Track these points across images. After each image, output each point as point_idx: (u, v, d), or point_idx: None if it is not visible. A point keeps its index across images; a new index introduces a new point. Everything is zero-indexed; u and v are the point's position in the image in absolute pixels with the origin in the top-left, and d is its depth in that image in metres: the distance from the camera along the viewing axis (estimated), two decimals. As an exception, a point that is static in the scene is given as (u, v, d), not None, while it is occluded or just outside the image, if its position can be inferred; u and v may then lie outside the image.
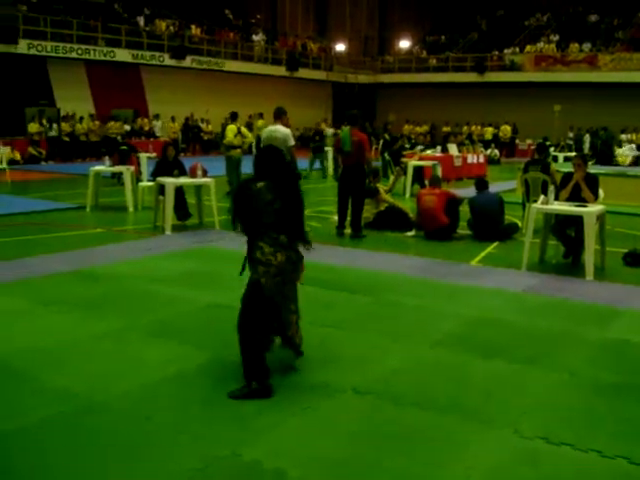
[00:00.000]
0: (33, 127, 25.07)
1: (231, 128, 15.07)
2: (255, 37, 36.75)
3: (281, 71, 35.68)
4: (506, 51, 37.45)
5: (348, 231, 10.54)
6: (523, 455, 3.80)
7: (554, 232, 8.62)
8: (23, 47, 25.20)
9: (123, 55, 28.70)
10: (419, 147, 19.79)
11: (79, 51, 27.08)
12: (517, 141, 33.66)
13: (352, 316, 6.38)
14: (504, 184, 16.95)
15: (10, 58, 25.32)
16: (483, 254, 9.32)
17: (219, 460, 3.70)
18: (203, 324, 6.09)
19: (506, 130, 33.29)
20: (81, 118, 26.73)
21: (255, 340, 4.63)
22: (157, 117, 29.74)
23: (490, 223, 10.24)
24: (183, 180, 11.04)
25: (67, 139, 25.95)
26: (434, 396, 4.54)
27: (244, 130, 15.72)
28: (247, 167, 17.42)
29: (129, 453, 3.79)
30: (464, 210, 10.71)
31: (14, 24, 24.95)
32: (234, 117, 15.64)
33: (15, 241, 9.91)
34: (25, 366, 5.02)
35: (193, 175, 11.07)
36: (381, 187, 11.51)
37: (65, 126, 26.13)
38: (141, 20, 31.31)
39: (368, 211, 11.09)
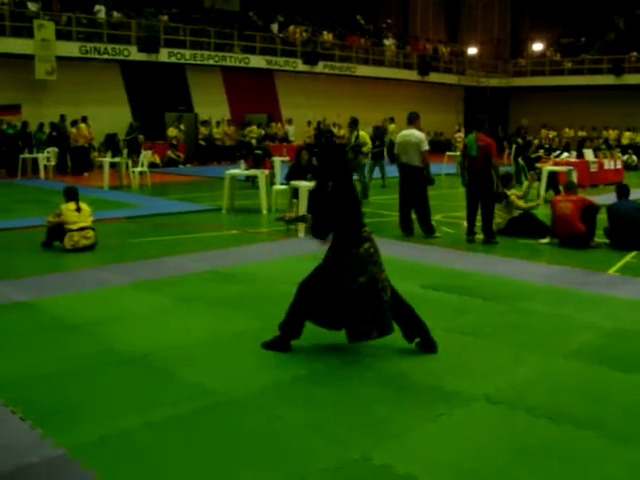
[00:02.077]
0: (172, 131, 26.14)
1: (366, 135, 15.05)
2: (386, 42, 36.79)
3: (412, 75, 35.57)
4: (645, 52, 35.78)
5: (479, 237, 10.39)
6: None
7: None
8: (164, 55, 26.37)
9: (258, 61, 29.46)
10: (557, 152, 19.18)
11: (216, 58, 28.03)
12: (657, 146, 32.11)
13: (486, 323, 6.29)
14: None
15: (152, 66, 26.54)
16: (621, 263, 8.96)
17: (350, 463, 3.72)
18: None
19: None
20: (218, 123, 27.63)
21: (306, 304, 5.28)
22: (290, 122, 30.32)
23: (630, 232, 9.84)
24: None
25: (204, 143, 26.91)
26: (569, 409, 4.41)
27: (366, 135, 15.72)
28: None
29: (260, 451, 3.87)
30: (601, 217, 10.34)
31: (156, 34, 26.14)
32: (356, 123, 15.48)
33: (156, 241, 10.37)
34: (164, 362, 5.24)
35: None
36: (514, 193, 11.28)
37: (203, 130, 27.10)
38: (275, 27, 32.01)
39: (501, 217, 10.89)
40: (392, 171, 16.01)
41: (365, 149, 14.67)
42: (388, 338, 5.82)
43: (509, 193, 11.00)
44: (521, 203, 11.14)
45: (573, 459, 3.79)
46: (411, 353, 5.45)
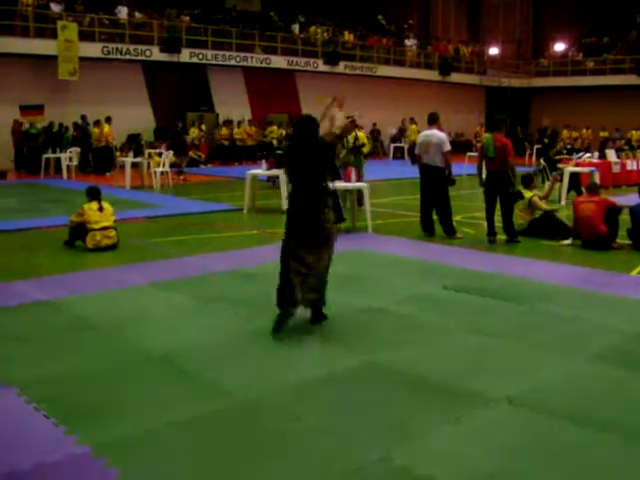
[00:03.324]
0: (194, 132, 26.25)
1: (362, 135, 14.45)
2: (407, 42, 36.73)
3: (434, 76, 35.47)
4: (669, 51, 35.37)
5: (500, 237, 10.36)
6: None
7: None
8: (186, 56, 26.48)
9: (279, 62, 29.51)
10: (586, 155, 18.99)
11: (237, 59, 28.11)
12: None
13: (507, 325, 6.26)
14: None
15: (174, 66, 26.67)
16: (645, 265, 8.90)
17: (370, 464, 3.72)
18: (355, 327, 6.17)
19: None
20: (239, 122, 27.71)
21: (287, 275, 5.86)
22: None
23: (653, 233, 9.76)
24: (337, 184, 11.21)
25: (226, 143, 27.01)
26: (592, 413, 4.38)
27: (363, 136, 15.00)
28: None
29: (280, 452, 3.88)
30: (623, 218, 10.27)
31: (178, 35, 26.26)
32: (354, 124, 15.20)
33: (177, 241, 10.42)
34: (186, 362, 5.26)
35: (347, 180, 11.22)
36: (536, 194, 11.21)
37: (224, 130, 27.20)
38: (296, 27, 32.04)
39: (522, 218, 10.85)
40: (406, 172, 16.25)
41: (365, 150, 14.31)
42: (410, 339, 5.83)
43: (531, 194, 10.95)
44: (542, 204, 11.07)
45: (595, 463, 3.77)
46: (430, 354, 5.44)
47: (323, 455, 3.84)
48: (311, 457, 3.83)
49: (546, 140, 20.30)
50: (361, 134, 14.87)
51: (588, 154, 19.29)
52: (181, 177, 20.50)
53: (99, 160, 22.53)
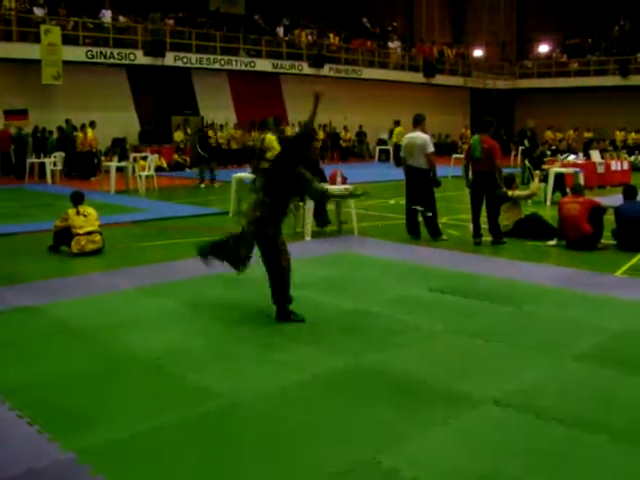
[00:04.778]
0: (179, 135, 26.18)
1: (274, 139, 13.45)
2: (392, 44, 36.81)
3: (418, 78, 35.57)
4: (651, 52, 35.61)
5: (486, 239, 10.38)
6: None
7: None
8: (170, 59, 26.42)
9: (263, 65, 29.48)
10: (571, 156, 19.06)
11: (222, 62, 28.07)
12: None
13: (493, 326, 6.27)
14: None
15: (158, 70, 26.60)
16: (629, 265, 8.92)
17: (358, 466, 3.71)
18: (341, 329, 6.16)
19: (653, 136, 31.75)
20: (221, 126, 27.66)
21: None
22: (300, 125, 30.33)
23: (637, 233, 9.81)
24: (328, 186, 11.21)
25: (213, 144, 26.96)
26: (579, 412, 4.39)
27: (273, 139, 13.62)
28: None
29: (267, 455, 3.87)
30: (608, 219, 10.32)
31: (162, 38, 26.20)
32: (266, 125, 14.15)
33: (163, 245, 10.40)
34: (172, 366, 5.23)
35: (333, 182, 11.22)
36: (519, 194, 11.26)
37: (210, 134, 27.10)
38: (280, 30, 32.05)
39: (507, 219, 10.89)
40: (391, 174, 16.33)
41: (269, 155, 12.70)
42: (396, 341, 5.83)
43: (512, 193, 11.00)
44: (522, 192, 11.22)
45: (582, 463, 3.78)
46: (417, 356, 5.44)
47: (310, 458, 3.83)
48: (298, 460, 3.81)
49: (527, 141, 20.38)
50: (271, 137, 13.82)
51: (573, 155, 19.39)
52: (215, 183, 19.50)
53: (84, 165, 22.40)
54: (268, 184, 6.34)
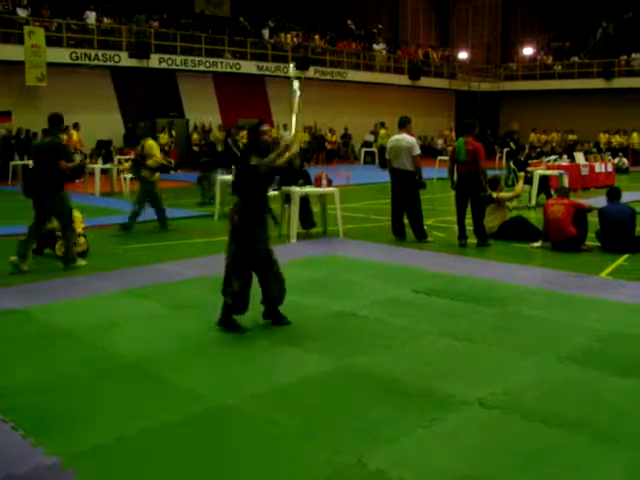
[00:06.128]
0: (164, 138, 26.10)
1: (155, 145, 12.08)
2: (377, 47, 36.88)
3: (403, 80, 35.64)
4: (634, 55, 35.75)
5: (471, 240, 10.41)
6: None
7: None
8: (155, 61, 26.35)
9: (249, 67, 29.45)
10: (552, 157, 19.15)
11: (207, 64, 28.03)
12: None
13: (478, 328, 6.29)
14: (635, 194, 16.23)
15: (143, 72, 26.51)
16: (613, 266, 8.98)
17: (344, 468, 3.71)
18: (327, 331, 6.16)
19: (636, 138, 31.95)
20: (203, 127, 27.60)
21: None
22: (285, 127, 30.29)
23: (621, 235, 9.87)
24: (308, 189, 11.22)
25: (196, 149, 26.89)
26: (563, 413, 4.40)
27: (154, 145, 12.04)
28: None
29: (254, 458, 3.86)
30: (592, 221, 10.37)
31: (147, 40, 26.12)
32: (148, 131, 13.22)
33: (148, 247, 10.35)
34: (158, 369, 5.22)
35: (318, 184, 11.22)
36: (503, 196, 11.30)
37: (195, 136, 27.09)
38: (266, 33, 32.03)
39: (493, 221, 10.92)
40: (377, 177, 16.26)
41: (150, 162, 11.59)
42: (382, 343, 5.83)
43: (497, 196, 11.03)
44: (507, 194, 11.27)
45: (567, 463, 3.79)
46: (402, 358, 5.45)
47: (297, 460, 3.82)
48: (285, 462, 3.81)
49: (512, 143, 20.45)
50: (152, 143, 11.99)
51: (555, 156, 19.48)
52: None
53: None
54: (236, 183, 6.34)
